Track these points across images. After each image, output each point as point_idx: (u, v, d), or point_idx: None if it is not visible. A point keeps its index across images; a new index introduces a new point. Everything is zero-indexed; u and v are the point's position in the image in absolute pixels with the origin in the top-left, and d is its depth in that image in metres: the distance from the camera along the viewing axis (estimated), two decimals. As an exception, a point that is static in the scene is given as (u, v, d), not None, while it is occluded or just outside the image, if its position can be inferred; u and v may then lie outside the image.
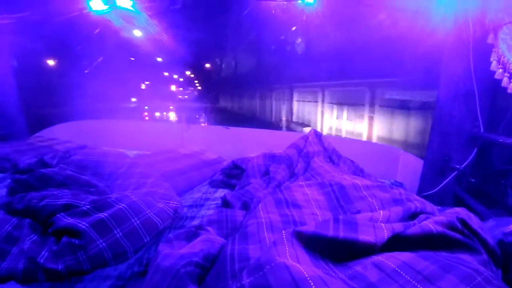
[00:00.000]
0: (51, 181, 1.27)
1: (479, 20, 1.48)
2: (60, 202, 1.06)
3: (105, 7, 2.73)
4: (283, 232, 0.71)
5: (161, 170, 1.55)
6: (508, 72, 1.25)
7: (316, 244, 0.72)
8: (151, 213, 1.08)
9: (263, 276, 0.57)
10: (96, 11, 2.74)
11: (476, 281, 0.60)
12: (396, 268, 0.66)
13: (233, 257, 0.76)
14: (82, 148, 2.22)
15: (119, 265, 0.94)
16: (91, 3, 2.65)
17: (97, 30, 3.38)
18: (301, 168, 1.65)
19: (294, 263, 0.59)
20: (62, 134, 2.81)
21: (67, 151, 1.96)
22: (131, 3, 2.68)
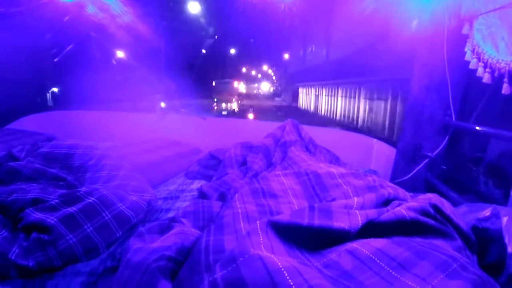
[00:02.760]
0: (20, 174, 1.22)
1: (455, 11, 1.51)
2: (28, 197, 1.02)
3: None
4: (258, 222, 0.70)
5: (135, 162, 1.50)
6: (483, 62, 1.27)
7: (291, 233, 0.71)
8: (123, 207, 1.04)
9: (236, 268, 0.56)
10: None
11: (452, 268, 0.60)
12: (371, 255, 0.66)
13: (208, 249, 0.74)
14: (50, 140, 2.12)
15: (91, 261, 0.91)
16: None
17: (67, 18, 3.23)
18: (278, 158, 1.65)
19: (268, 254, 0.58)
20: (32, 126, 2.68)
21: (35, 143, 1.87)
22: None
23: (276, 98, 21.85)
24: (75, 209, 0.96)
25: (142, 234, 0.87)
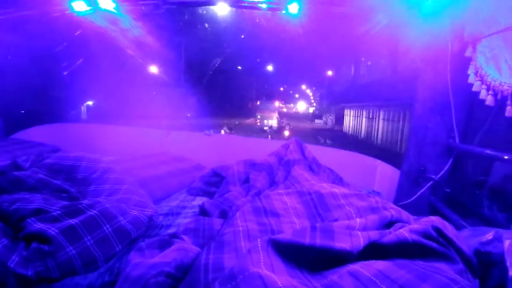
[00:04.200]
0: (23, 184, 1.22)
1: (458, 33, 1.53)
2: (31, 207, 1.02)
3: (88, 8, 2.68)
4: (258, 240, 0.69)
5: (138, 176, 1.51)
6: (486, 85, 1.28)
7: (292, 253, 0.70)
8: (124, 221, 1.04)
9: (236, 286, 0.55)
10: (79, 12, 2.69)
11: None
12: (372, 277, 0.65)
13: (207, 267, 0.73)
14: (55, 151, 2.14)
15: (89, 274, 0.90)
16: (73, 4, 2.59)
17: (78, 32, 3.32)
18: (281, 176, 1.65)
19: (268, 272, 0.57)
20: (37, 137, 2.71)
21: (40, 154, 1.88)
22: (114, 5, 2.63)
23: (317, 120, 19.94)
24: (76, 221, 0.96)
25: (142, 249, 0.86)
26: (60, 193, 1.23)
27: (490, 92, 1.25)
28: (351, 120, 14.07)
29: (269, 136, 13.38)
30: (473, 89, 1.36)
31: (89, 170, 1.36)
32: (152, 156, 1.99)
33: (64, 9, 2.69)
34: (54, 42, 3.29)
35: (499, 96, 1.21)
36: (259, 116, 15.36)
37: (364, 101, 11.46)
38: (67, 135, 2.85)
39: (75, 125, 3.12)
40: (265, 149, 1.91)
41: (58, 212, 0.99)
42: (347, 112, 14.60)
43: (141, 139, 2.74)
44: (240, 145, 2.65)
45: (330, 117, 17.45)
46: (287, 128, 14.36)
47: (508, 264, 0.74)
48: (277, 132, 14.29)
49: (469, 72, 1.41)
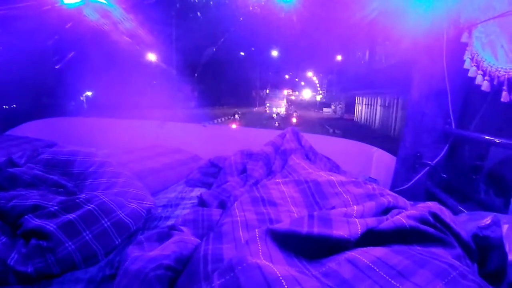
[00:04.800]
0: (19, 181, 1.21)
1: (454, 19, 1.52)
2: (28, 203, 1.02)
3: (78, 0, 2.63)
4: (256, 231, 0.70)
5: (134, 169, 1.50)
6: (482, 70, 1.28)
7: (290, 242, 0.71)
8: (123, 214, 1.04)
9: (234, 277, 0.55)
10: (69, 4, 2.64)
11: (451, 276, 0.60)
12: (370, 264, 0.66)
13: (206, 257, 0.74)
14: (51, 146, 2.13)
15: (89, 268, 0.90)
16: (63, -3, 2.55)
17: (69, 25, 3.27)
18: (278, 166, 1.65)
19: (266, 262, 0.58)
20: (32, 132, 2.68)
21: (35, 149, 1.87)
22: (103, -4, 2.59)
23: (325, 109, 18.98)
24: (74, 216, 0.95)
25: (141, 242, 0.86)
26: (57, 188, 1.23)
27: (486, 77, 1.25)
28: (363, 109, 13.28)
29: (277, 122, 13.75)
30: (469, 74, 1.36)
31: (85, 164, 1.35)
32: (148, 149, 1.98)
33: (54, 1, 2.65)
34: (45, 36, 3.24)
35: (495, 82, 1.21)
36: (268, 104, 16.14)
37: (380, 87, 10.51)
38: (62, 130, 2.83)
39: (70, 119, 3.09)
40: (261, 139, 1.91)
41: (56, 207, 0.99)
42: (358, 100, 13.74)
43: (136, 131, 2.73)
44: (237, 136, 2.64)
45: (340, 105, 16.82)
46: (294, 115, 15.10)
47: (507, 248, 0.75)
48: (284, 119, 14.56)
49: (465, 57, 1.41)
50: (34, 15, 2.71)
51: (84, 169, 1.34)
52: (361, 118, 13.26)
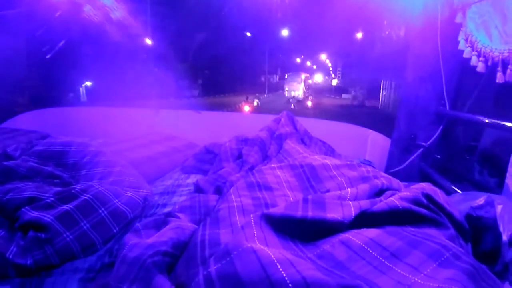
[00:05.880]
0: (15, 173, 1.21)
1: (448, 0, 1.50)
2: (24, 195, 1.01)
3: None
4: (251, 216, 0.71)
5: (129, 157, 1.50)
6: (476, 51, 1.27)
7: (285, 226, 0.72)
8: (119, 203, 1.04)
9: (230, 261, 0.56)
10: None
11: (444, 257, 0.61)
12: (363, 245, 0.67)
13: (204, 243, 0.75)
14: (44, 138, 2.12)
15: (88, 257, 0.91)
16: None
17: (58, 13, 3.19)
18: (274, 150, 1.66)
19: (262, 246, 0.58)
20: (26, 124, 2.66)
21: (29, 141, 1.86)
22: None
23: (344, 95, 17.41)
24: (71, 206, 0.95)
25: (138, 230, 0.87)
26: (52, 180, 1.22)
27: (481, 58, 1.24)
28: (391, 94, 11.24)
29: (293, 105, 14.14)
30: (464, 55, 1.35)
31: (79, 154, 1.35)
32: (142, 137, 1.97)
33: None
34: (38, 26, 3.17)
35: (489, 63, 1.20)
36: (286, 88, 17.03)
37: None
38: (56, 120, 2.81)
39: (65, 109, 3.06)
40: (256, 124, 1.90)
41: (52, 198, 0.99)
42: (386, 84, 11.73)
43: (129, 119, 2.71)
44: (231, 121, 2.64)
45: (361, 90, 15.06)
46: (310, 99, 16.19)
47: (501, 229, 0.76)
48: (300, 102, 15.24)
49: (459, 38, 1.40)
50: (27, 5, 2.65)
51: (78, 159, 1.33)
52: (388, 105, 11.20)
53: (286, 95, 17.09)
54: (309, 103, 15.04)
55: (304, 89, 17.32)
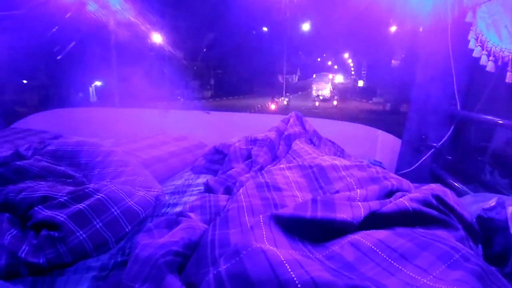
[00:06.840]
0: (27, 173, 1.23)
1: (458, -1, 1.49)
2: (37, 195, 1.03)
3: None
4: (261, 216, 0.71)
5: (140, 157, 1.53)
6: (487, 51, 1.26)
7: (294, 226, 0.72)
8: (131, 202, 1.06)
9: (240, 261, 0.57)
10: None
11: (454, 258, 0.60)
12: (372, 246, 0.67)
13: (214, 243, 0.76)
14: (56, 138, 2.16)
15: (101, 256, 0.93)
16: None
17: (68, 15, 3.24)
18: (283, 151, 1.66)
19: (270, 247, 0.59)
20: (37, 124, 2.72)
21: (41, 141, 1.90)
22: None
23: (374, 99, 15.99)
24: (84, 205, 0.97)
25: (150, 229, 0.89)
26: (65, 179, 1.25)
27: (491, 58, 1.23)
28: None
29: (317, 103, 15.83)
30: (474, 55, 1.34)
31: (91, 154, 1.37)
32: (153, 137, 2.00)
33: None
34: (46, 27, 3.22)
35: (499, 62, 1.19)
36: (314, 88, 18.84)
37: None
38: (66, 121, 2.86)
39: (75, 109, 3.11)
40: (265, 124, 1.91)
41: (65, 198, 1.01)
42: None
43: (139, 120, 2.75)
44: (240, 122, 2.65)
45: (393, 93, 13.02)
46: (335, 98, 17.72)
47: None
48: (326, 100, 16.88)
49: (469, 37, 1.38)
50: (36, 6, 2.70)
51: (91, 159, 1.35)
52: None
53: (314, 94, 18.68)
54: (335, 103, 16.34)
55: (331, 89, 18.90)
